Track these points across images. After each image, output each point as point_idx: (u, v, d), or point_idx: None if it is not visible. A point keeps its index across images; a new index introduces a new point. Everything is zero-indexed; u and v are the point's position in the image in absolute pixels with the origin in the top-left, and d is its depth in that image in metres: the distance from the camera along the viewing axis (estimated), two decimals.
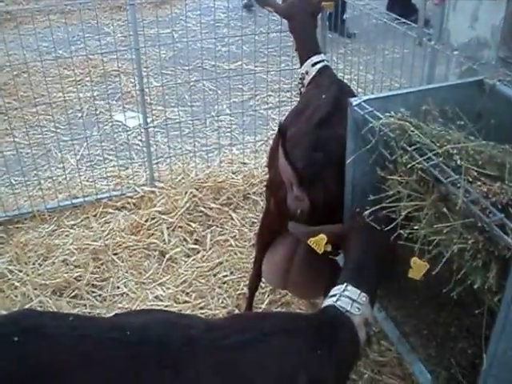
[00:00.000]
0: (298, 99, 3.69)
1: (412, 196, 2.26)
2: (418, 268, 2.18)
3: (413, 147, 2.21)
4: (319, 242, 2.39)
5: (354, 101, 2.50)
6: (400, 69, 3.75)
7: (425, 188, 2.23)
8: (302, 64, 3.61)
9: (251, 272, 3.33)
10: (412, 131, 2.26)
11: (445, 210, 2.09)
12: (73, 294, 3.71)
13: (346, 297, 2.11)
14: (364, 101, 2.49)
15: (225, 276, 3.78)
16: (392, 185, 2.36)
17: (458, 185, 2.01)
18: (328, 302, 2.14)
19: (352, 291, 2.12)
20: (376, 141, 2.38)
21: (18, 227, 4.39)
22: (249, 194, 4.51)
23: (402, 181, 2.31)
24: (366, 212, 2.33)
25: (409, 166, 2.22)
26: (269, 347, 1.90)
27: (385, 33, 3.88)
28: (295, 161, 2.58)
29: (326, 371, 1.93)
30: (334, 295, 2.14)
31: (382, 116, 2.38)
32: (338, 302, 2.10)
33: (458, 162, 2.10)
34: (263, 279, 3.25)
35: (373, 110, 2.42)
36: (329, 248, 2.41)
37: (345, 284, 2.15)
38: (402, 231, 2.25)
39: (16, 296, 3.71)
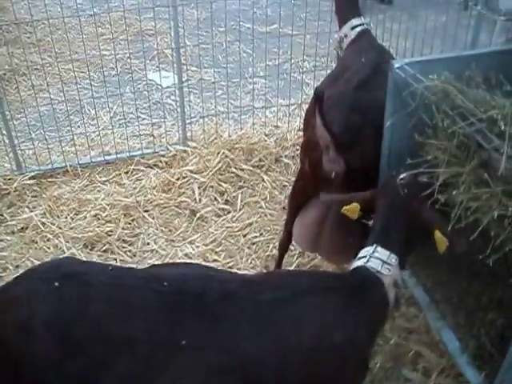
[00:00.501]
0: (336, 63, 3.64)
1: (451, 162, 2.23)
2: (439, 242, 2.15)
3: (455, 111, 2.17)
4: (353, 210, 2.38)
5: (396, 63, 2.46)
6: (441, 37, 3.66)
7: (465, 154, 2.19)
8: (340, 27, 3.53)
9: (281, 234, 3.34)
10: (455, 95, 2.21)
11: (485, 176, 2.06)
12: (104, 248, 3.76)
13: (376, 258, 2.10)
14: (406, 63, 2.45)
15: (254, 237, 3.79)
16: (430, 150, 2.33)
17: (501, 151, 1.98)
18: (358, 262, 2.14)
19: (382, 252, 2.11)
20: (416, 104, 2.34)
21: (51, 181, 4.45)
22: (281, 156, 4.50)
23: (441, 146, 2.27)
24: (399, 176, 2.30)
25: (450, 130, 2.18)
26: (304, 304, 1.91)
27: None
28: (332, 124, 2.55)
29: (357, 330, 1.94)
30: (364, 256, 2.13)
31: (424, 79, 2.33)
32: (369, 263, 2.09)
33: (502, 127, 2.06)
34: (293, 242, 3.25)
35: (415, 73, 2.38)
36: (360, 215, 2.40)
37: (374, 245, 2.15)
38: (438, 196, 2.23)
39: (48, 248, 3.77)
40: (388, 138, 2.61)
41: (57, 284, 1.73)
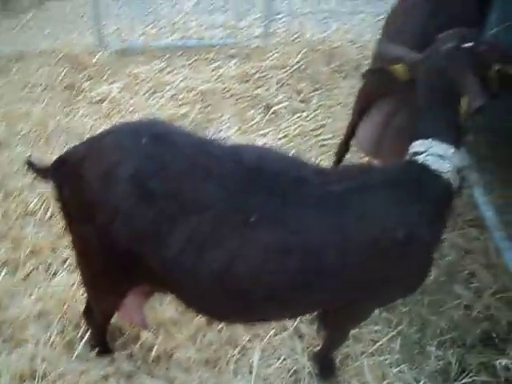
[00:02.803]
0: None
1: None
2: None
3: None
4: (398, 70, 2.21)
5: None
6: None
7: None
8: None
9: (342, 136, 3.30)
10: None
11: None
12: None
13: (435, 155, 1.92)
14: None
15: (325, 139, 3.77)
16: None
17: None
18: (418, 157, 1.93)
19: (438, 147, 1.92)
20: None
21: (130, 59, 4.51)
22: (361, 64, 4.40)
23: None
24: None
25: None
26: (371, 197, 1.92)
27: None
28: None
29: (423, 226, 1.94)
30: (422, 152, 1.93)
31: None
32: (429, 160, 1.91)
33: None
34: (356, 145, 3.20)
35: None
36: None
37: (429, 140, 1.94)
38: None
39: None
40: None
41: (145, 140, 1.80)
